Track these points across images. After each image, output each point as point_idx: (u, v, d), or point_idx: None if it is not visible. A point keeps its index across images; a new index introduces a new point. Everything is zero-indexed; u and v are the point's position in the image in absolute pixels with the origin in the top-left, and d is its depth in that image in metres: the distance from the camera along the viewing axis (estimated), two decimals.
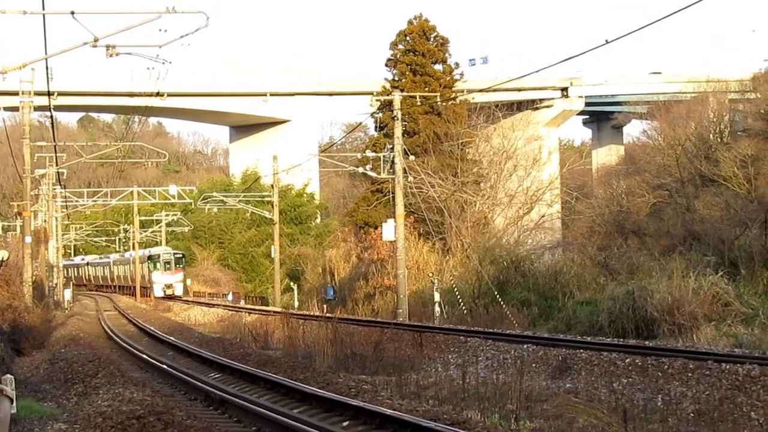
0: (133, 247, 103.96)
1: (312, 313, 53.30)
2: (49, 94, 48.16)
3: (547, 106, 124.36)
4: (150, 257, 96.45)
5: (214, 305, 73.24)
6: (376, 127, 77.24)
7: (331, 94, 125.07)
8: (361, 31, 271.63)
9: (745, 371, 23.01)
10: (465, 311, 50.49)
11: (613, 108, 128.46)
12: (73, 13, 32.77)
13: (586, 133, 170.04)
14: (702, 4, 26.02)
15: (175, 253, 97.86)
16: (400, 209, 53.76)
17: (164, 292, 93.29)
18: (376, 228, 67.22)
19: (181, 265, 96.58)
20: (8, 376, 18.35)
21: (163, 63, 35.93)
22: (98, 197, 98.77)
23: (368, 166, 64.69)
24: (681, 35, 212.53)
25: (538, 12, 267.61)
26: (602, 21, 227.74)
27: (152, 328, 52.40)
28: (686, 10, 28.33)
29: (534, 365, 28.90)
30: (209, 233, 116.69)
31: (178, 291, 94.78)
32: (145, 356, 35.75)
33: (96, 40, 34.26)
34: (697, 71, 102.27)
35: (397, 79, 75.32)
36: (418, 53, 74.89)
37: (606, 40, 32.44)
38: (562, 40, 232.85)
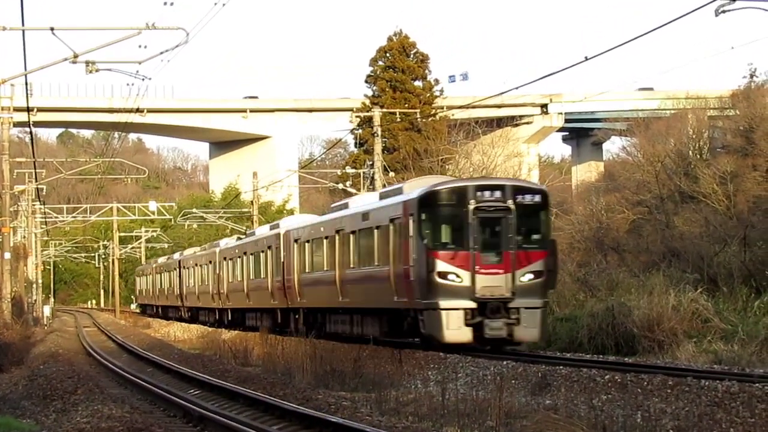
0: (112, 264, 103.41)
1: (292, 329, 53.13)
2: (28, 110, 48.15)
3: (527, 123, 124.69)
4: (424, 200, 32.02)
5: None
6: (356, 143, 77.29)
7: (311, 111, 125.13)
8: (342, 47, 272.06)
9: (725, 388, 23.01)
10: None
11: (593, 125, 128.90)
12: (52, 29, 32.77)
13: (565, 150, 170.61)
14: (682, 21, 26.17)
15: (518, 191, 32.03)
16: None
17: (487, 333, 31.72)
18: None
19: (539, 241, 32.58)
20: None
21: (143, 79, 35.97)
22: (78, 213, 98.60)
23: (348, 183, 64.71)
24: (661, 52, 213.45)
25: (519, 29, 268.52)
26: (582, 38, 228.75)
27: (132, 345, 52.23)
28: (666, 26, 28.50)
29: (513, 381, 28.83)
30: None
31: (530, 332, 32.37)
32: (124, 373, 35.62)
33: (76, 56, 34.23)
34: (676, 88, 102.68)
35: (377, 95, 75.32)
36: (398, 70, 74.93)
37: (586, 57, 32.66)
38: (543, 56, 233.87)
